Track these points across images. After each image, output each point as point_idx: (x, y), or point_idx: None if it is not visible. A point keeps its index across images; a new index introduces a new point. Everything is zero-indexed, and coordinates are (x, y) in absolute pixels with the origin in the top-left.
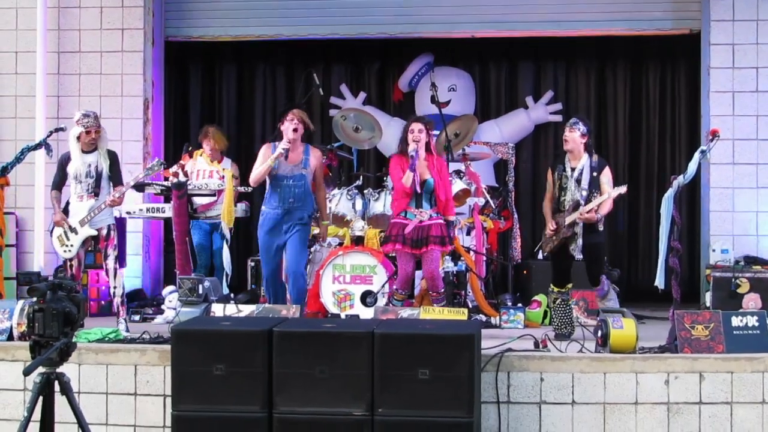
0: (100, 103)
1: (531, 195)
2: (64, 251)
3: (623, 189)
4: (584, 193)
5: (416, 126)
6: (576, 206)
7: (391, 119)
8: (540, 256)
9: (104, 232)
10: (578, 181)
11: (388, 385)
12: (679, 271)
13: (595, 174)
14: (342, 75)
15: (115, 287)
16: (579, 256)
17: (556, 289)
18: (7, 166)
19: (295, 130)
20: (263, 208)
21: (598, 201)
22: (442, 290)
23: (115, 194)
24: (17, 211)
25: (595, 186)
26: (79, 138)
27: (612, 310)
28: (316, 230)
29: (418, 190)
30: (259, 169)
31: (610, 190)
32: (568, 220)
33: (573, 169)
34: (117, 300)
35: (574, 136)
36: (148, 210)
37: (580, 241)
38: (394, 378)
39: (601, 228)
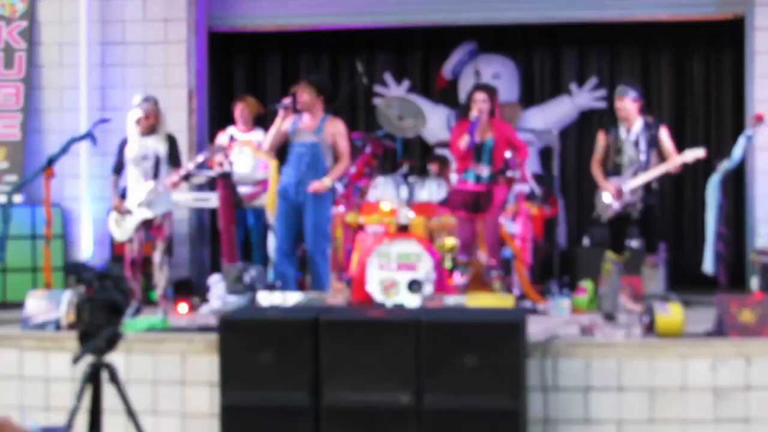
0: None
1: (577, 182)
2: (120, 234)
3: (700, 152)
4: (643, 157)
5: (479, 96)
6: (637, 170)
7: (435, 107)
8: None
9: (158, 220)
10: (636, 144)
11: (435, 372)
12: (725, 256)
13: (652, 132)
14: (385, 63)
15: (158, 280)
16: (637, 215)
17: (613, 256)
18: (52, 158)
19: (286, 105)
20: (281, 178)
21: (676, 161)
22: (502, 259)
23: (171, 178)
24: (63, 202)
25: (653, 145)
26: (138, 122)
27: (658, 296)
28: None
29: (472, 148)
30: (268, 135)
31: (672, 148)
32: (632, 184)
33: (629, 132)
34: (159, 292)
35: (626, 105)
36: (195, 200)
37: (639, 205)
38: (441, 365)
39: (656, 186)
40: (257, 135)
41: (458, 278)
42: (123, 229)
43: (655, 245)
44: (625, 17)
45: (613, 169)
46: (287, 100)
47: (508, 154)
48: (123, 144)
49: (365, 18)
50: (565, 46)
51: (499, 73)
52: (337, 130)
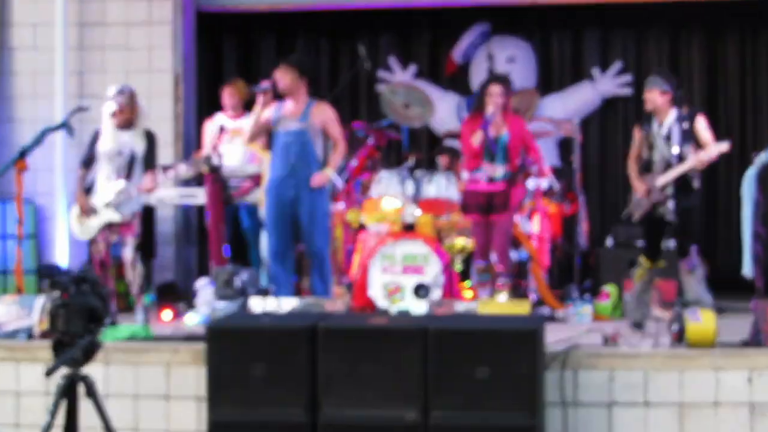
0: (127, 79)
1: (599, 176)
2: (82, 232)
3: (724, 146)
4: (675, 151)
5: (495, 89)
6: (667, 167)
7: (444, 94)
8: (623, 217)
9: (126, 219)
10: (667, 138)
11: (443, 385)
12: (763, 259)
13: (686, 125)
14: (390, 46)
15: (132, 278)
16: (671, 217)
17: (647, 264)
18: (25, 150)
19: (262, 89)
20: (269, 173)
21: (701, 157)
22: (510, 266)
23: (147, 183)
24: (37, 198)
25: (689, 138)
26: (113, 115)
27: (689, 302)
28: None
29: (488, 144)
30: (249, 123)
31: (710, 139)
32: (661, 181)
33: (660, 125)
34: (135, 289)
35: (653, 97)
36: (180, 196)
37: (671, 203)
38: (450, 378)
39: (696, 185)
40: (248, 121)
41: (482, 291)
42: (85, 227)
43: (686, 249)
44: None
45: (644, 167)
46: (265, 84)
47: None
48: (96, 136)
49: None
50: (586, 27)
51: (515, 56)
52: (325, 114)
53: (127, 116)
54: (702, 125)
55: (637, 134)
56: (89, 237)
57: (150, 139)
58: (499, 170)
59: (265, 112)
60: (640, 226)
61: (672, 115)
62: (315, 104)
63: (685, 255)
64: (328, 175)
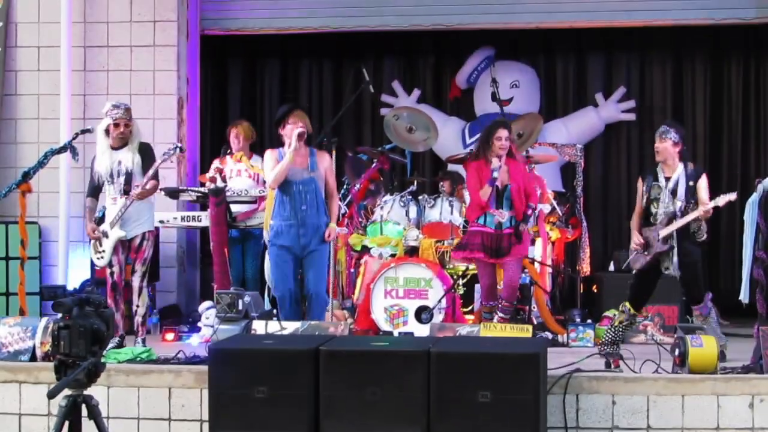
0: (130, 101)
1: (601, 201)
2: (98, 258)
3: (733, 196)
4: (680, 204)
5: (503, 133)
6: (671, 219)
7: (448, 119)
8: (624, 267)
9: (137, 241)
10: (673, 193)
11: (446, 408)
12: (765, 284)
13: (691, 183)
14: (394, 70)
15: (138, 306)
16: (676, 273)
17: (632, 311)
18: (29, 172)
19: (300, 134)
20: (272, 222)
21: (708, 206)
22: (514, 302)
23: (135, 189)
24: (40, 220)
25: (691, 196)
26: (107, 132)
27: (691, 327)
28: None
29: (486, 200)
30: (278, 167)
31: (707, 198)
32: (663, 233)
33: (667, 179)
34: (138, 319)
35: (666, 146)
36: (183, 218)
37: (675, 259)
38: (452, 401)
39: (703, 237)
40: (256, 162)
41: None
42: (99, 254)
43: (700, 297)
44: (655, 21)
45: (645, 221)
46: (303, 129)
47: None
48: (93, 162)
49: (372, 21)
50: (590, 52)
51: (518, 81)
52: (327, 164)
53: (122, 131)
54: (704, 184)
55: (640, 187)
56: (104, 262)
57: (145, 151)
58: (506, 215)
59: (287, 153)
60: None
61: (680, 169)
62: (317, 152)
63: (700, 302)
64: (336, 229)
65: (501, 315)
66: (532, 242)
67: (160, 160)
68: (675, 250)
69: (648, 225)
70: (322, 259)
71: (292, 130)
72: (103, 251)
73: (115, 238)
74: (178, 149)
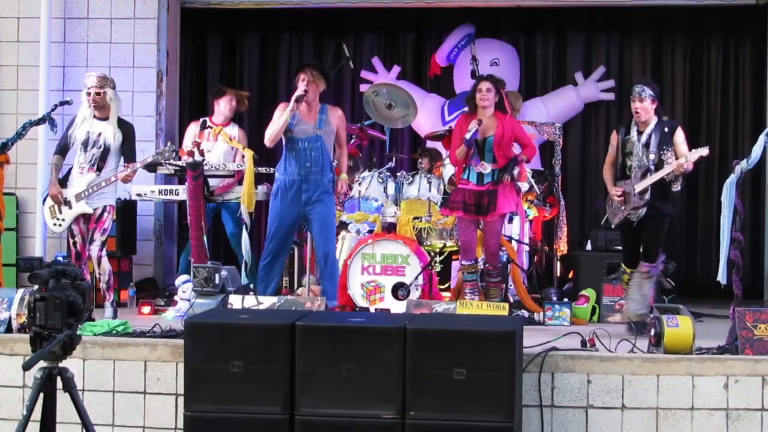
0: (110, 74)
1: (579, 180)
2: (54, 224)
3: (705, 151)
4: (653, 157)
5: (484, 85)
6: (645, 172)
7: (427, 95)
8: (602, 224)
9: (98, 213)
10: (646, 146)
11: (421, 385)
12: (741, 265)
13: (666, 129)
14: (374, 47)
15: (100, 274)
16: (637, 218)
17: (629, 271)
18: (7, 143)
19: (298, 98)
20: (276, 175)
21: (681, 161)
22: (500, 265)
23: (127, 170)
24: (18, 191)
25: (666, 144)
26: (89, 98)
27: (667, 307)
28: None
29: (461, 159)
30: (274, 125)
31: (687, 152)
32: (639, 187)
33: (640, 133)
34: (102, 285)
35: (646, 106)
36: (160, 192)
37: (642, 211)
38: (428, 378)
39: (677, 188)
40: (233, 130)
41: (469, 291)
42: (57, 220)
43: (653, 254)
44: (636, 1)
45: (621, 173)
46: (302, 90)
47: (517, 149)
48: (72, 123)
49: None
50: (570, 31)
51: (499, 59)
52: (340, 119)
53: (95, 100)
54: (681, 137)
55: (614, 139)
56: (61, 230)
57: (127, 131)
58: (488, 168)
59: (285, 113)
60: (617, 232)
61: (653, 123)
62: (329, 109)
63: (653, 260)
64: (347, 180)
65: (491, 281)
66: (510, 220)
67: (152, 158)
68: (648, 202)
69: (625, 178)
70: (329, 222)
71: (298, 87)
72: (62, 219)
73: (79, 211)
74: (174, 152)
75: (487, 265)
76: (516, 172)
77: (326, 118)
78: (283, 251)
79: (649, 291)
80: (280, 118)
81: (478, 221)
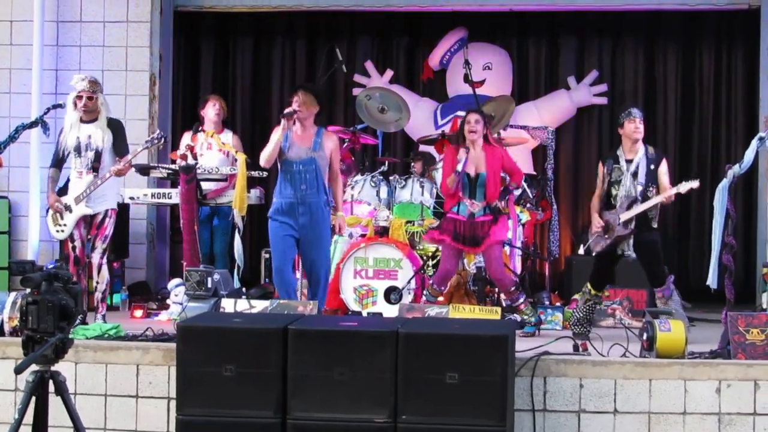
0: (103, 78)
1: (572, 184)
2: (57, 231)
3: (695, 184)
4: (640, 188)
5: (471, 117)
6: (632, 203)
7: (420, 99)
8: (583, 251)
9: (99, 218)
10: (634, 175)
11: (413, 389)
12: (733, 270)
13: (652, 167)
14: (367, 51)
15: (98, 282)
16: (632, 254)
17: (593, 292)
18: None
19: (287, 114)
20: (274, 198)
21: (670, 192)
22: (513, 288)
23: (119, 165)
24: (10, 195)
25: (652, 179)
26: (75, 104)
27: (659, 311)
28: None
29: (452, 188)
30: (268, 146)
31: (667, 184)
32: (624, 217)
33: (629, 162)
34: (98, 295)
35: (639, 126)
36: (153, 195)
37: (631, 241)
38: (420, 382)
39: (654, 225)
40: (227, 137)
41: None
42: (60, 227)
43: (663, 278)
44: (629, 5)
45: (606, 202)
46: (292, 109)
47: (507, 179)
48: (60, 133)
49: (346, 0)
50: (563, 35)
51: (491, 64)
52: (334, 145)
53: (86, 105)
54: (665, 169)
55: (601, 171)
56: (64, 236)
57: (116, 127)
58: (478, 207)
59: (276, 133)
60: (594, 258)
61: (641, 152)
62: (324, 133)
63: (662, 284)
64: (344, 218)
65: (515, 305)
66: (515, 202)
67: (142, 148)
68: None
69: (610, 208)
70: (322, 244)
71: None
72: (65, 225)
73: (80, 214)
74: (162, 138)
75: (503, 295)
76: (505, 202)
77: (321, 141)
78: (288, 264)
79: (681, 312)
80: (274, 136)
81: (461, 253)
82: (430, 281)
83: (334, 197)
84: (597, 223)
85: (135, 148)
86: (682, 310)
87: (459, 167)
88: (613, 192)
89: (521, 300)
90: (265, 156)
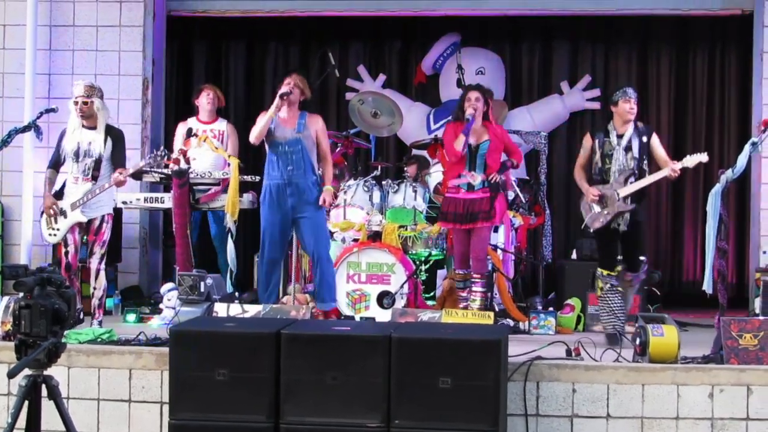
0: (95, 82)
1: (565, 189)
2: (50, 234)
3: (704, 157)
4: (634, 163)
5: (473, 94)
6: (628, 177)
7: (413, 104)
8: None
9: (96, 224)
10: (627, 149)
11: (406, 394)
12: (726, 274)
13: (644, 139)
14: (360, 55)
15: (95, 288)
16: (625, 228)
17: (605, 273)
18: None
19: (282, 94)
20: (264, 181)
21: (676, 166)
22: (486, 273)
23: (118, 176)
24: (3, 199)
25: (645, 152)
26: (77, 108)
27: (652, 317)
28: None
29: (461, 149)
30: (259, 123)
31: (664, 155)
32: (624, 192)
33: (620, 137)
34: (95, 301)
35: (634, 106)
36: (146, 200)
37: (627, 215)
38: (413, 387)
39: (645, 200)
40: (221, 125)
41: (460, 299)
42: (53, 230)
43: (638, 264)
44: (622, 11)
45: (599, 177)
46: (287, 88)
47: (504, 157)
48: (62, 136)
49: (338, 5)
50: (556, 40)
51: (484, 68)
52: (319, 126)
53: (82, 110)
54: (657, 141)
55: (587, 142)
56: (56, 240)
57: (116, 137)
58: (478, 179)
59: (269, 111)
60: (594, 236)
61: (631, 127)
62: (308, 115)
63: (638, 269)
64: (332, 192)
65: (475, 289)
66: (495, 229)
67: (145, 163)
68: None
69: (602, 182)
70: (318, 224)
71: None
72: (57, 229)
73: (74, 221)
74: (165, 156)
75: (472, 272)
76: (502, 180)
77: (305, 122)
78: (278, 256)
79: (630, 301)
80: (267, 114)
81: (468, 231)
82: (453, 268)
83: (324, 175)
84: (593, 192)
85: (137, 162)
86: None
87: (468, 116)
88: (606, 166)
89: (483, 289)
90: (255, 132)
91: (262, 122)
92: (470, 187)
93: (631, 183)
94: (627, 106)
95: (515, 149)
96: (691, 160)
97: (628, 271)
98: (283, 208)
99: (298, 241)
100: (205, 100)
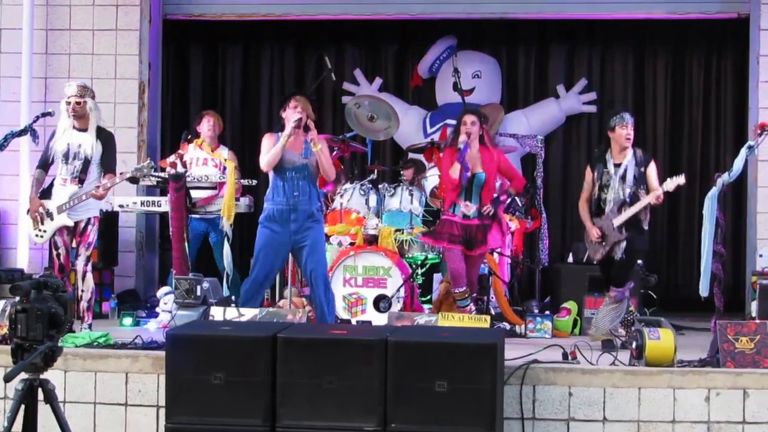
0: (92, 85)
1: (561, 192)
2: (36, 235)
3: (681, 180)
4: (629, 191)
5: (469, 118)
6: (621, 206)
7: (409, 108)
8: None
9: (82, 225)
10: (623, 178)
11: (402, 397)
12: (722, 278)
13: (642, 169)
14: (356, 59)
15: (83, 291)
16: (620, 256)
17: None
18: None
19: (297, 121)
20: (266, 205)
21: (658, 192)
22: (473, 295)
23: (99, 189)
24: None
25: (641, 182)
26: (69, 109)
27: (648, 320)
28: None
29: (464, 182)
30: (272, 150)
31: (656, 185)
32: (618, 221)
33: (617, 166)
34: (83, 304)
35: (631, 132)
36: (142, 203)
37: (623, 245)
38: (409, 390)
39: (645, 227)
40: (223, 152)
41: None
42: (39, 232)
43: (624, 282)
44: (618, 14)
45: (596, 208)
46: (300, 116)
47: (498, 188)
48: (52, 137)
49: (334, 8)
50: (552, 44)
51: (481, 72)
52: (324, 146)
53: (74, 110)
54: (653, 171)
55: (589, 175)
56: (42, 241)
57: (106, 140)
58: (472, 209)
59: (282, 137)
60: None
61: (629, 155)
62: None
63: (622, 285)
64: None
65: (456, 297)
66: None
67: (130, 175)
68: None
69: (599, 213)
70: (318, 244)
71: (292, 115)
72: (44, 231)
73: (60, 224)
74: (152, 168)
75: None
76: (494, 209)
77: (311, 147)
78: (268, 279)
79: (618, 315)
80: (278, 142)
81: (463, 252)
82: (452, 288)
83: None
84: (595, 233)
85: (122, 172)
86: (618, 319)
87: (460, 145)
88: (603, 196)
89: (469, 303)
90: (268, 161)
91: (275, 151)
92: (465, 217)
93: (624, 212)
94: (624, 132)
95: (515, 174)
96: (671, 184)
97: (613, 287)
98: (286, 232)
99: (294, 264)
100: (206, 127)
